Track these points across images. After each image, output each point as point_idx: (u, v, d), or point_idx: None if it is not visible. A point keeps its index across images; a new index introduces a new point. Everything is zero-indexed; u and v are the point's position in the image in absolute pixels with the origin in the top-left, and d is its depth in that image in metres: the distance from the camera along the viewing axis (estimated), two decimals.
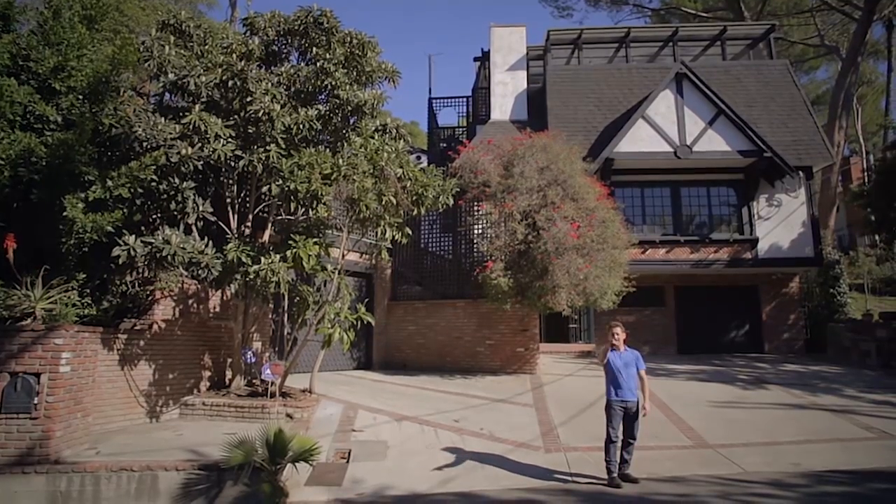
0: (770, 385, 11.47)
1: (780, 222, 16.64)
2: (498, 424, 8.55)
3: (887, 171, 14.27)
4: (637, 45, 19.48)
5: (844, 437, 8.13)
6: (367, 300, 13.49)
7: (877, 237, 16.16)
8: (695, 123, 16.37)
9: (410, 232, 9.82)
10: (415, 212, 9.12)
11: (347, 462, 6.97)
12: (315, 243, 8.08)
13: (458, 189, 12.58)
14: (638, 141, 16.36)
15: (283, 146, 8.43)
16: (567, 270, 10.95)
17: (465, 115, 20.38)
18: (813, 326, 17.77)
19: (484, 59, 20.29)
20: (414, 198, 8.96)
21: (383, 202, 8.31)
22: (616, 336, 6.80)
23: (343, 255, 9.52)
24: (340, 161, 8.10)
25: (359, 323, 9.24)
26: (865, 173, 31.23)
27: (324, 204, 7.92)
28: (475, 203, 11.88)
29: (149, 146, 7.24)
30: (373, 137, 9.17)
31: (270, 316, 10.97)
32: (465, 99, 20.63)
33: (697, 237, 16.65)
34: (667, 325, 17.38)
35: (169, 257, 7.11)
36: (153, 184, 7.36)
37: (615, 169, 16.36)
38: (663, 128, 16.39)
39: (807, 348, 17.22)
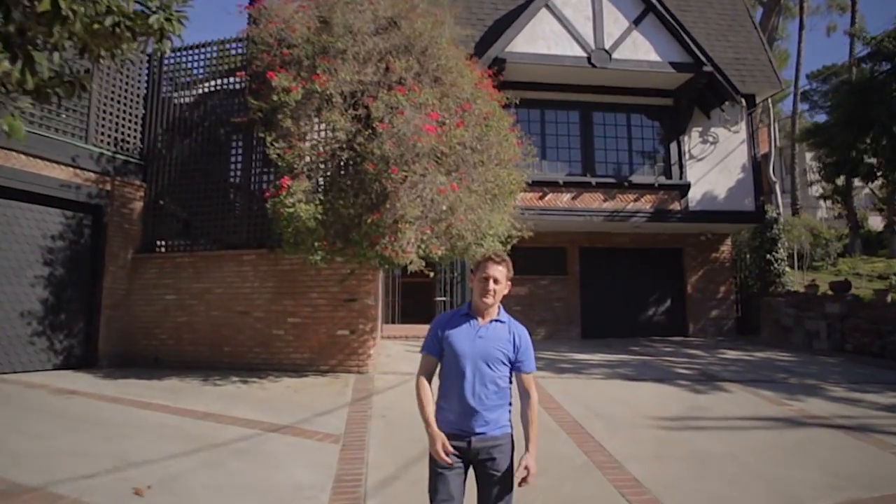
0: (726, 384, 8.05)
1: (715, 164, 13.61)
2: (238, 495, 4.15)
3: (858, 91, 11.46)
4: None
5: None
6: (90, 251, 8.51)
7: (829, 187, 13.70)
8: (615, 21, 12.77)
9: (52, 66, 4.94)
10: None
11: None
12: None
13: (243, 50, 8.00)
14: (540, 39, 12.48)
15: None
16: (419, 194, 6.70)
17: None
18: (744, 301, 15.14)
19: None
20: None
21: None
22: (491, 282, 2.91)
23: None
24: None
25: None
26: (772, 138, 30.32)
27: None
28: (268, 77, 7.25)
29: None
30: None
31: None
32: None
33: (614, 180, 13.17)
34: (569, 300, 13.87)
35: None
36: None
37: (508, 81, 12.35)
38: (574, 24, 12.63)
39: (737, 328, 14.52)
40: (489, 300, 2.88)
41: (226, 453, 4.99)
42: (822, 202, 32.52)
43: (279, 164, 7.11)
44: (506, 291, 2.95)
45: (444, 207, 6.89)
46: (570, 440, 5.53)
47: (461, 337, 2.89)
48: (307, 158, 7.17)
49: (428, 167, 6.74)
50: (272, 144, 7.04)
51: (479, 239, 7.24)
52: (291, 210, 6.74)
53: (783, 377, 8.67)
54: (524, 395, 2.93)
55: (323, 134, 7.57)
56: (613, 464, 4.94)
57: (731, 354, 11.05)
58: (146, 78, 9.50)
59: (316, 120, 7.28)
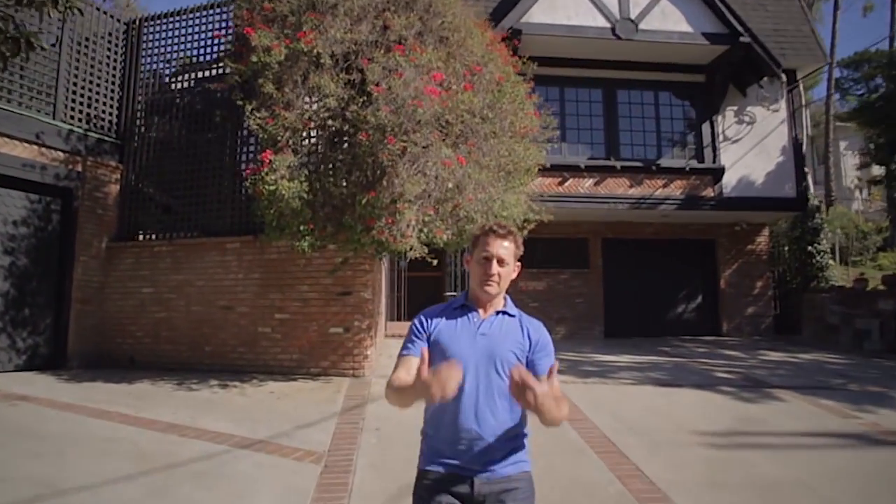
0: (777, 390, 7.06)
1: (752, 147, 12.55)
2: None
3: None
4: None
5: None
6: (59, 239, 7.76)
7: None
8: None
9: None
10: None
11: None
12: None
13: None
14: (559, 9, 11.52)
15: None
16: (420, 169, 5.82)
17: None
18: (782, 298, 14.06)
19: None
20: None
21: None
22: (493, 263, 2.09)
23: None
24: None
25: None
26: (804, 126, 28.94)
27: None
28: (246, 35, 6.39)
29: None
30: None
31: None
32: None
33: (640, 164, 12.17)
34: (591, 296, 12.90)
35: None
36: None
37: (524, 56, 11.44)
38: None
39: (775, 327, 13.45)
40: (492, 288, 2.08)
41: (180, 477, 4.14)
42: (857, 193, 31.23)
43: (260, 135, 6.26)
44: (514, 276, 2.13)
45: (451, 185, 6.00)
46: (601, 462, 4.61)
47: (457, 335, 2.07)
48: (297, 130, 6.30)
49: (431, 138, 5.85)
50: (252, 113, 6.18)
51: (490, 222, 6.32)
52: (273, 188, 5.88)
53: (840, 383, 7.66)
54: (545, 400, 2.03)
55: (315, 106, 6.71)
56: (656, 494, 4.02)
57: (774, 356, 10.03)
58: (123, 50, 8.70)
59: (303, 88, 6.38)
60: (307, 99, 6.60)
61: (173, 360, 7.61)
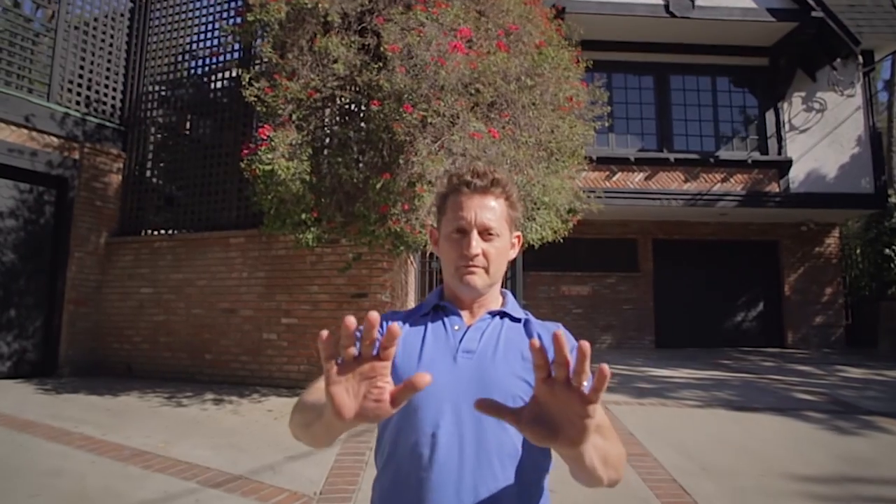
0: (878, 419, 5.71)
1: (822, 137, 11.08)
2: None
3: None
4: None
5: None
6: (52, 233, 6.95)
7: None
8: None
9: None
10: None
11: None
12: None
13: None
14: None
15: None
16: (444, 144, 4.74)
17: None
18: (854, 306, 12.49)
19: None
20: None
21: None
22: (474, 236, 1.15)
23: None
24: None
25: None
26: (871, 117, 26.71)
27: None
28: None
29: None
30: None
31: None
32: None
33: (696, 156, 10.84)
34: (641, 302, 11.60)
35: None
36: None
37: (567, 38, 10.28)
38: None
39: (847, 339, 11.89)
40: (476, 278, 1.18)
41: None
42: None
43: (258, 108, 5.28)
44: (513, 255, 1.27)
45: (481, 166, 4.88)
46: None
47: (426, 354, 1.16)
48: (301, 101, 5.30)
49: (456, 106, 4.76)
50: (249, 83, 5.20)
51: (528, 210, 5.21)
52: (269, 167, 4.88)
53: None
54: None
55: (324, 75, 5.71)
56: None
57: (855, 373, 8.58)
58: (129, 27, 7.89)
59: (310, 55, 5.39)
60: (315, 67, 5.61)
61: (172, 369, 6.70)
